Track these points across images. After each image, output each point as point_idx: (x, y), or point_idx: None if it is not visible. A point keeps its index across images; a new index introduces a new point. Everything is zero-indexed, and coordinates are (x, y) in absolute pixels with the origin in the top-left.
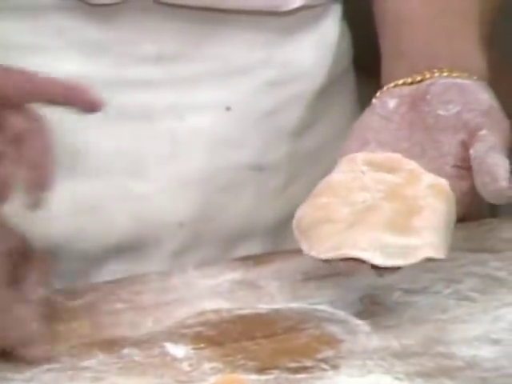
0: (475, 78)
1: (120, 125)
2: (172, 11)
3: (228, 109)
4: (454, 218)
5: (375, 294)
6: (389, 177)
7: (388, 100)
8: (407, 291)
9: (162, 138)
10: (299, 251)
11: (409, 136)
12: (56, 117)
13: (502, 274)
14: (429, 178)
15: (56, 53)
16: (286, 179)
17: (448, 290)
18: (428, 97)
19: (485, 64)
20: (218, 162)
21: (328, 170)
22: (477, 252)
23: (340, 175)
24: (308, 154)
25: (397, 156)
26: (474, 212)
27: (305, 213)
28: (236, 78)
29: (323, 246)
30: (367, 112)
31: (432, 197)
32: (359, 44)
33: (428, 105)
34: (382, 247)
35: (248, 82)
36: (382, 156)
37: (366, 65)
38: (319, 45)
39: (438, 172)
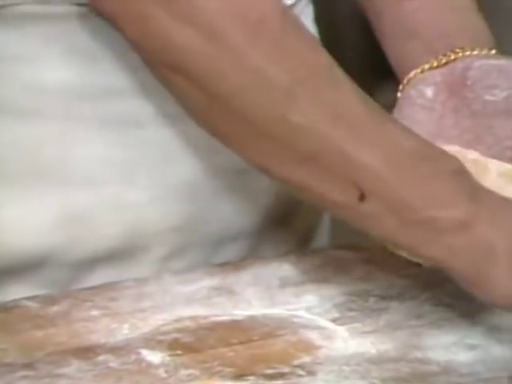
0: (494, 52)
1: (108, 133)
2: None
3: None
4: None
5: (352, 300)
6: None
7: (423, 88)
8: (383, 297)
9: (151, 145)
10: (277, 257)
11: (455, 123)
12: (44, 127)
13: None
14: (495, 165)
15: (44, 62)
16: (270, 181)
17: (424, 296)
18: (468, 82)
19: (489, 32)
20: (207, 168)
21: None
22: None
23: None
24: None
25: (455, 148)
26: None
27: None
28: None
29: None
30: (404, 104)
31: (506, 185)
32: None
33: (471, 90)
34: None
35: None
36: None
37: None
38: None
39: (500, 157)
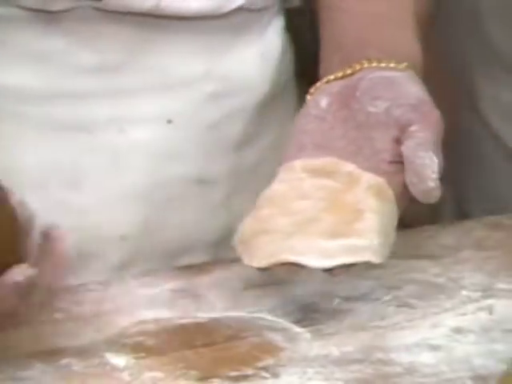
0: (404, 65)
1: (58, 137)
2: (113, 20)
3: (169, 121)
4: (395, 215)
5: (315, 301)
6: (328, 182)
7: (320, 98)
8: (347, 298)
9: (101, 150)
10: (240, 260)
11: (343, 135)
12: None
13: (441, 280)
14: (367, 178)
15: None
16: (229, 192)
17: (387, 297)
18: (357, 93)
19: (418, 48)
20: (160, 176)
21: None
22: (416, 258)
23: (279, 185)
24: (250, 167)
25: (333, 160)
26: (413, 215)
27: (246, 226)
28: (177, 91)
29: (261, 254)
30: (301, 113)
31: (371, 197)
32: (303, 57)
33: (358, 102)
34: (321, 250)
35: (189, 95)
36: (319, 161)
37: (310, 78)
38: (262, 57)
39: (376, 170)
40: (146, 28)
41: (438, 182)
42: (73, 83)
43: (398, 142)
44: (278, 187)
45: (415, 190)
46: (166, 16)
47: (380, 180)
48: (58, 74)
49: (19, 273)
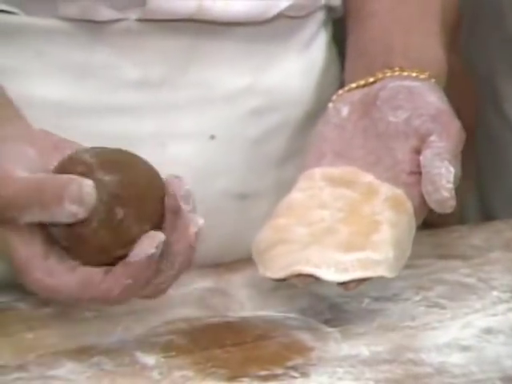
0: (426, 75)
1: None
2: (156, 32)
3: (212, 137)
4: (413, 228)
5: (345, 301)
6: (347, 192)
7: (341, 107)
8: (377, 299)
9: None
10: None
11: (363, 144)
12: None
13: (471, 280)
14: (386, 189)
15: (35, 77)
16: (270, 207)
17: (417, 297)
18: (378, 102)
19: (442, 56)
20: (200, 190)
21: None
22: (446, 259)
23: (298, 194)
24: (293, 181)
25: (353, 169)
26: (440, 217)
27: (262, 235)
28: (220, 106)
29: (277, 265)
30: (322, 121)
31: (389, 210)
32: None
33: (379, 111)
34: (336, 263)
35: (232, 110)
36: (338, 170)
37: None
38: (307, 71)
39: (395, 180)
40: (188, 39)
41: (453, 192)
42: (115, 97)
43: (418, 152)
44: (296, 196)
45: (430, 200)
46: (209, 22)
47: (398, 192)
48: (100, 88)
49: (150, 244)
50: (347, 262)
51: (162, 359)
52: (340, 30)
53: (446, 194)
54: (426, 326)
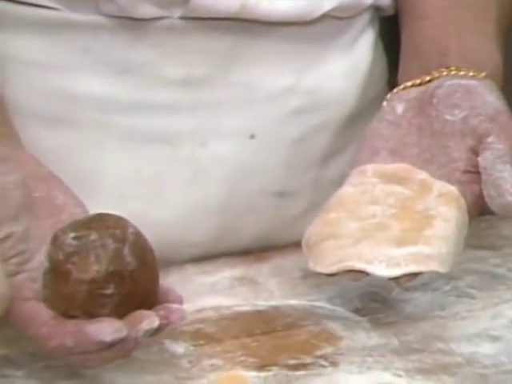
0: (483, 75)
1: (140, 149)
2: (199, 30)
3: (252, 137)
4: (466, 225)
5: (374, 290)
6: (399, 189)
7: (396, 104)
8: (406, 288)
9: (183, 164)
10: (298, 247)
11: (417, 142)
12: (73, 136)
13: (501, 270)
14: (439, 186)
15: (79, 72)
16: (309, 205)
17: (447, 287)
18: (435, 100)
19: (498, 58)
20: (239, 189)
21: None
22: (476, 249)
23: (350, 188)
24: (333, 180)
25: (407, 166)
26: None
27: (313, 229)
28: (262, 106)
29: (328, 260)
30: (377, 118)
31: (442, 205)
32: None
33: (435, 109)
34: (389, 258)
35: (274, 110)
36: (392, 167)
37: None
38: (351, 72)
39: (449, 178)
40: (232, 39)
41: None
42: (157, 95)
43: (474, 151)
44: (348, 190)
45: (493, 204)
46: (253, 21)
47: (452, 188)
48: (142, 85)
49: (108, 333)
50: (399, 257)
51: (191, 348)
52: (388, 26)
53: (510, 198)
54: (455, 316)
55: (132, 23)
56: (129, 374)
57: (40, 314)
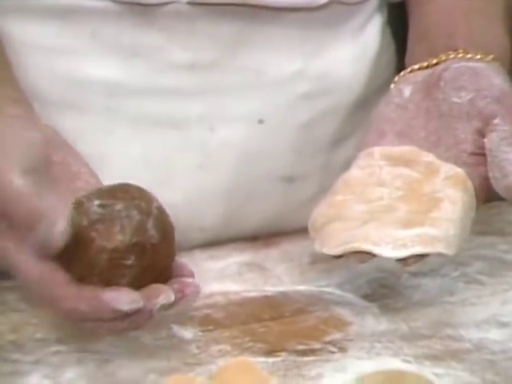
0: (490, 57)
1: (149, 133)
2: (207, 15)
3: (261, 121)
4: (473, 207)
5: (383, 276)
6: (406, 171)
7: (403, 87)
8: (415, 274)
9: (191, 148)
10: (307, 232)
11: (424, 124)
12: (82, 120)
13: (510, 256)
14: (446, 168)
15: (87, 56)
16: (316, 191)
17: (456, 273)
18: (441, 83)
19: (506, 41)
20: (247, 174)
21: None
22: (485, 235)
23: (357, 171)
24: (341, 167)
25: (414, 149)
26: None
27: (320, 211)
28: (270, 91)
29: (334, 241)
30: (384, 101)
31: (450, 188)
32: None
33: (442, 92)
34: (395, 240)
35: (282, 95)
36: (399, 149)
37: None
38: (359, 57)
39: (456, 160)
40: (240, 24)
41: None
42: (165, 79)
43: (480, 133)
44: (355, 173)
45: (498, 185)
46: (261, 7)
47: (459, 170)
48: (150, 70)
49: (125, 303)
50: (406, 238)
51: (200, 333)
52: (397, 13)
53: None
54: (464, 302)
55: (140, 8)
56: (137, 360)
57: (56, 275)
